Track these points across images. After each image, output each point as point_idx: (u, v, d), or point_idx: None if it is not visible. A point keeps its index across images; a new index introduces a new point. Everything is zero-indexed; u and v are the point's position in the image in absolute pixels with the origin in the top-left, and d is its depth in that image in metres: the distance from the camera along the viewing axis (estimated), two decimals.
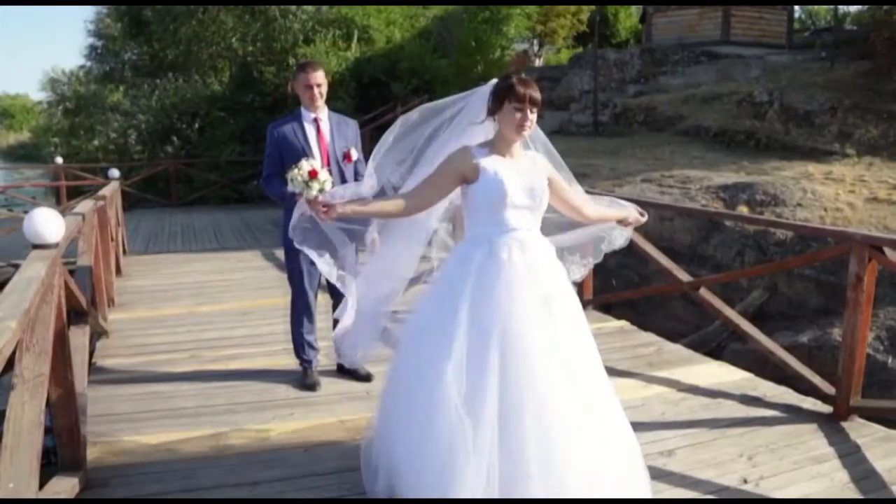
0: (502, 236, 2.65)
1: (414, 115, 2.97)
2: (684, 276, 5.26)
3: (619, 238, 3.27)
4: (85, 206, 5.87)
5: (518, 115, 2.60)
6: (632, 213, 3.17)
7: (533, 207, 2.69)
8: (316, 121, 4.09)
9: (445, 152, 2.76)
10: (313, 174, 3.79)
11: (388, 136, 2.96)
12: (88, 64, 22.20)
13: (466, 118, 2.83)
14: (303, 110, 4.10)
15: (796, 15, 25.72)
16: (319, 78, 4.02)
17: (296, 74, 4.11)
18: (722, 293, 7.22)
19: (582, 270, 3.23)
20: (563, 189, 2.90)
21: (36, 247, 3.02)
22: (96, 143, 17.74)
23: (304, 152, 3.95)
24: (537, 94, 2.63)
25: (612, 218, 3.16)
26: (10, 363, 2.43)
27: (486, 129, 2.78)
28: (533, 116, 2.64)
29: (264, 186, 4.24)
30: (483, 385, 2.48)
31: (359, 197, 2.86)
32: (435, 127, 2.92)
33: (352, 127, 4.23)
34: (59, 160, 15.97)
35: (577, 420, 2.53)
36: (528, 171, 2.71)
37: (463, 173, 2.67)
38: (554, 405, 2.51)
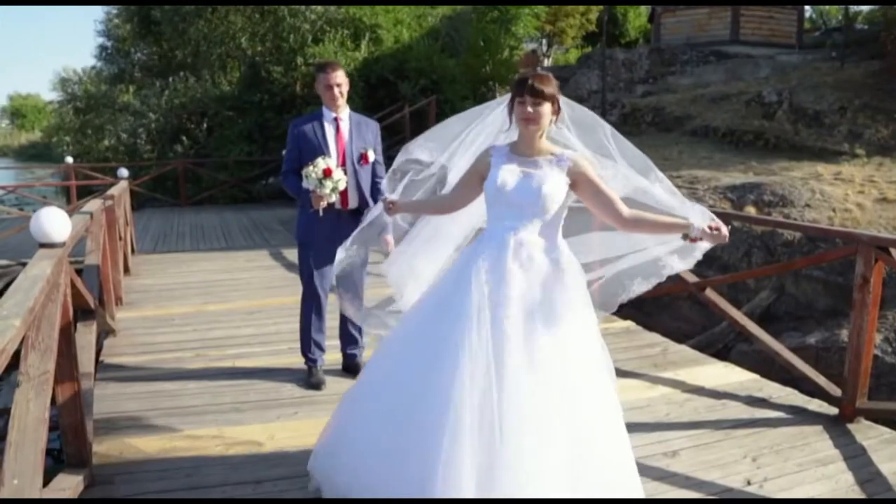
0: (493, 233, 2.68)
1: (462, 117, 3.05)
2: (690, 277, 5.24)
3: (658, 272, 2.90)
4: (93, 205, 5.91)
5: (520, 108, 2.61)
6: (696, 224, 2.58)
7: (530, 208, 2.63)
8: (336, 120, 4.12)
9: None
10: (328, 172, 3.86)
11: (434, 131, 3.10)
12: (99, 64, 22.36)
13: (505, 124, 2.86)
14: (324, 110, 4.14)
15: (807, 14, 25.57)
16: (339, 78, 4.05)
17: (316, 75, 4.15)
18: (729, 294, 7.20)
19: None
20: (595, 190, 2.66)
21: (42, 245, 3.04)
22: (106, 142, 17.85)
23: (322, 151, 3.99)
24: (540, 86, 2.58)
25: (663, 227, 2.68)
26: (17, 361, 2.46)
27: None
28: (538, 109, 2.58)
29: (282, 182, 4.32)
30: (408, 370, 2.64)
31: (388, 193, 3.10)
32: (476, 131, 2.98)
33: (372, 128, 4.25)
34: (70, 160, 16.08)
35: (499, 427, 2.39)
36: (540, 170, 2.63)
37: (480, 172, 2.75)
38: (473, 410, 2.38)
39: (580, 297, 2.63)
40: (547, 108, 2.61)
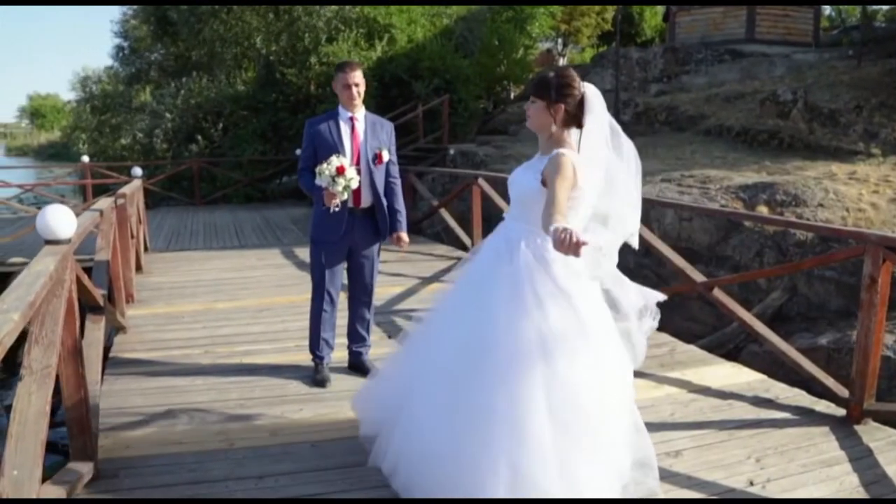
0: (503, 223, 2.92)
1: None
2: (698, 277, 5.21)
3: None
4: (103, 203, 5.97)
5: None
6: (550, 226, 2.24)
7: (513, 203, 2.87)
8: (351, 119, 4.15)
9: None
10: (341, 170, 3.90)
11: None
12: (116, 64, 22.65)
13: None
14: (340, 109, 4.17)
15: (826, 12, 25.30)
16: (357, 77, 4.08)
17: (335, 74, 4.20)
18: (741, 294, 7.17)
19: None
20: (549, 189, 2.53)
21: (48, 242, 3.08)
22: (123, 142, 18.06)
23: (337, 149, 4.03)
24: (535, 84, 2.79)
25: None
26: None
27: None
28: (531, 106, 2.75)
29: (298, 179, 4.37)
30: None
31: None
32: None
33: (387, 129, 4.29)
34: (86, 159, 16.26)
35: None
36: (531, 168, 2.79)
37: None
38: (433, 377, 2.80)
39: (563, 289, 2.63)
40: (539, 106, 2.70)
